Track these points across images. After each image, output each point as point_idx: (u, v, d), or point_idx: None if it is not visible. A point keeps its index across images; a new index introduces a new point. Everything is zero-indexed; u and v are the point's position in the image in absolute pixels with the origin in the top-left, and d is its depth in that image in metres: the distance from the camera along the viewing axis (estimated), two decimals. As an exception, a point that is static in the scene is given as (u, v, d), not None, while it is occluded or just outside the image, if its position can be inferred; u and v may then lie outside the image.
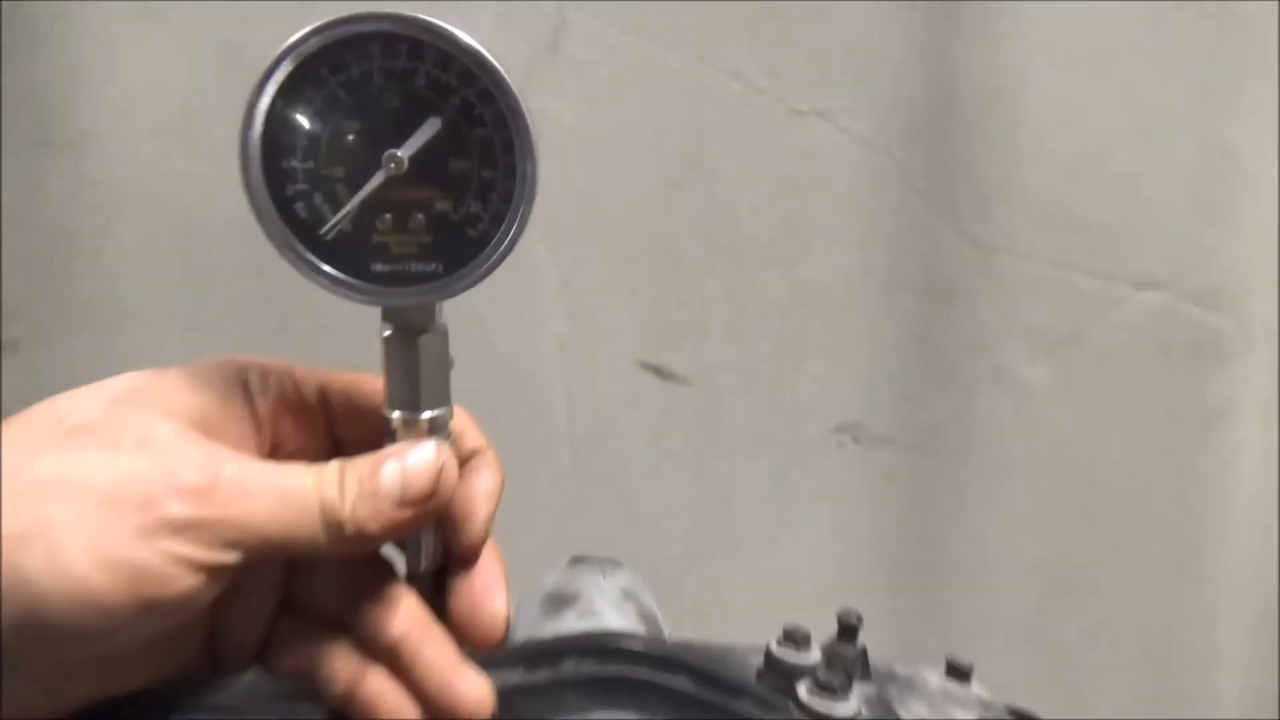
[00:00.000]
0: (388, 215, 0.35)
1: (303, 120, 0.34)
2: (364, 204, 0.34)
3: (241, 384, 0.37)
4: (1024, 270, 0.86)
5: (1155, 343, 0.86)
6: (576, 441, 0.91)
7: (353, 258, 0.34)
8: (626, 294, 0.89)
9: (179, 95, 0.80)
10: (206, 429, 0.34)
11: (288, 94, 0.33)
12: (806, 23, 0.84)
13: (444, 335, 0.37)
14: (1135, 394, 0.87)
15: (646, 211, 0.87)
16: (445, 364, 0.37)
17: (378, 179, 0.34)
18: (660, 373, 0.90)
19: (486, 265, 0.35)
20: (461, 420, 0.39)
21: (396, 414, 0.36)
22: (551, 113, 0.84)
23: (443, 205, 0.35)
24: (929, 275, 0.87)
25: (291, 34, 0.33)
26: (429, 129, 0.34)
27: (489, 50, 0.33)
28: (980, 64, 0.83)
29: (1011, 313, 0.86)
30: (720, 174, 0.87)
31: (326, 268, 0.34)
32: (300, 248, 0.34)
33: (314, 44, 0.33)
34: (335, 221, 0.34)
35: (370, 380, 0.39)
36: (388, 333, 0.36)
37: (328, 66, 0.33)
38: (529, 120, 0.34)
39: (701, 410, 0.91)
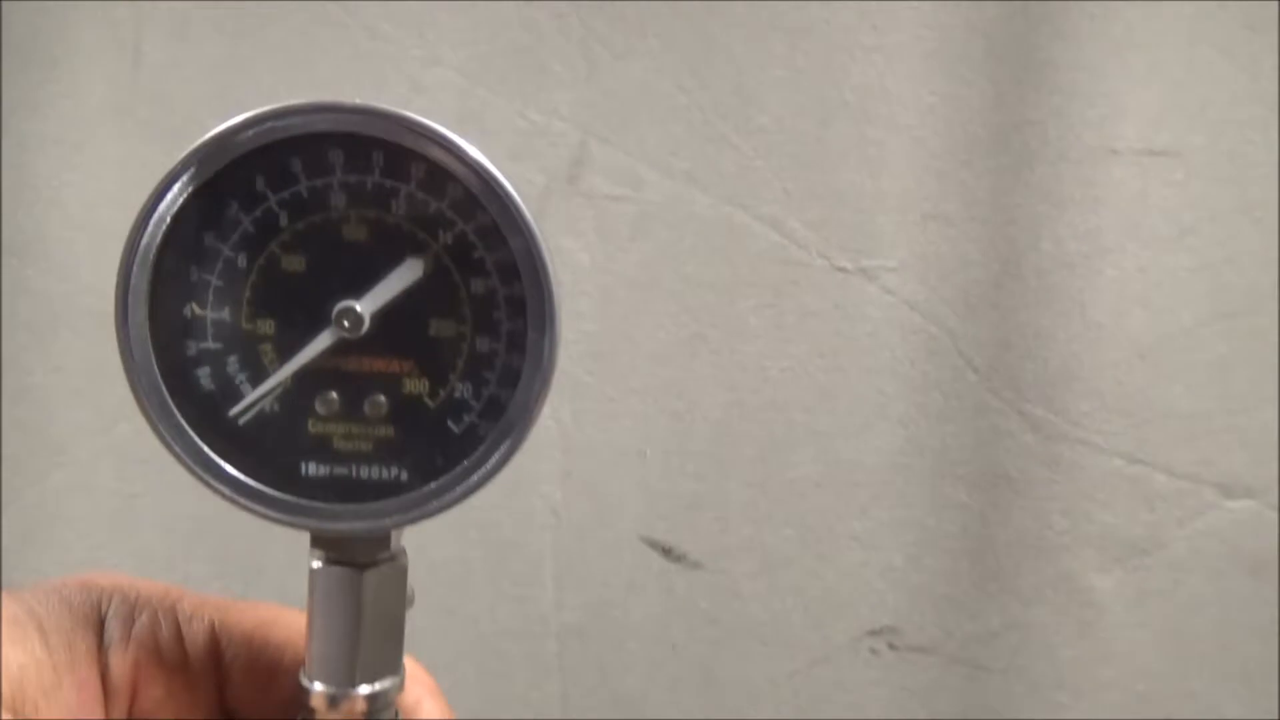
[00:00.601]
0: (333, 394, 0.24)
1: (218, 246, 0.23)
2: (300, 375, 0.23)
3: (93, 626, 0.25)
4: (1094, 464, 0.74)
5: (1244, 559, 0.74)
6: (564, 630, 0.78)
7: (273, 453, 0.23)
8: (634, 459, 0.78)
9: (141, 202, 0.70)
10: (23, 700, 0.22)
11: (202, 204, 0.23)
12: (854, 172, 0.76)
13: (401, 573, 0.25)
14: (1220, 617, 0.75)
15: (664, 366, 0.77)
16: (398, 613, 0.26)
17: (323, 340, 0.23)
18: (667, 552, 0.78)
19: (473, 477, 0.24)
20: (416, 685, 0.27)
21: (319, 687, 0.25)
22: (565, 251, 0.75)
23: (415, 385, 0.24)
24: (984, 462, 0.76)
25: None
26: (405, 275, 0.24)
27: (501, 171, 0.23)
28: (1049, 229, 0.74)
29: (1079, 512, 0.75)
30: (750, 331, 0.77)
31: (229, 468, 0.23)
32: (190, 434, 0.23)
33: (249, 137, 0.23)
34: (253, 399, 0.23)
35: (289, 623, 0.27)
36: (316, 565, 0.25)
37: (266, 174, 0.23)
38: (551, 273, 0.23)
39: (713, 600, 0.78)
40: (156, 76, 0.76)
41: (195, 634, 0.26)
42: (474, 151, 0.24)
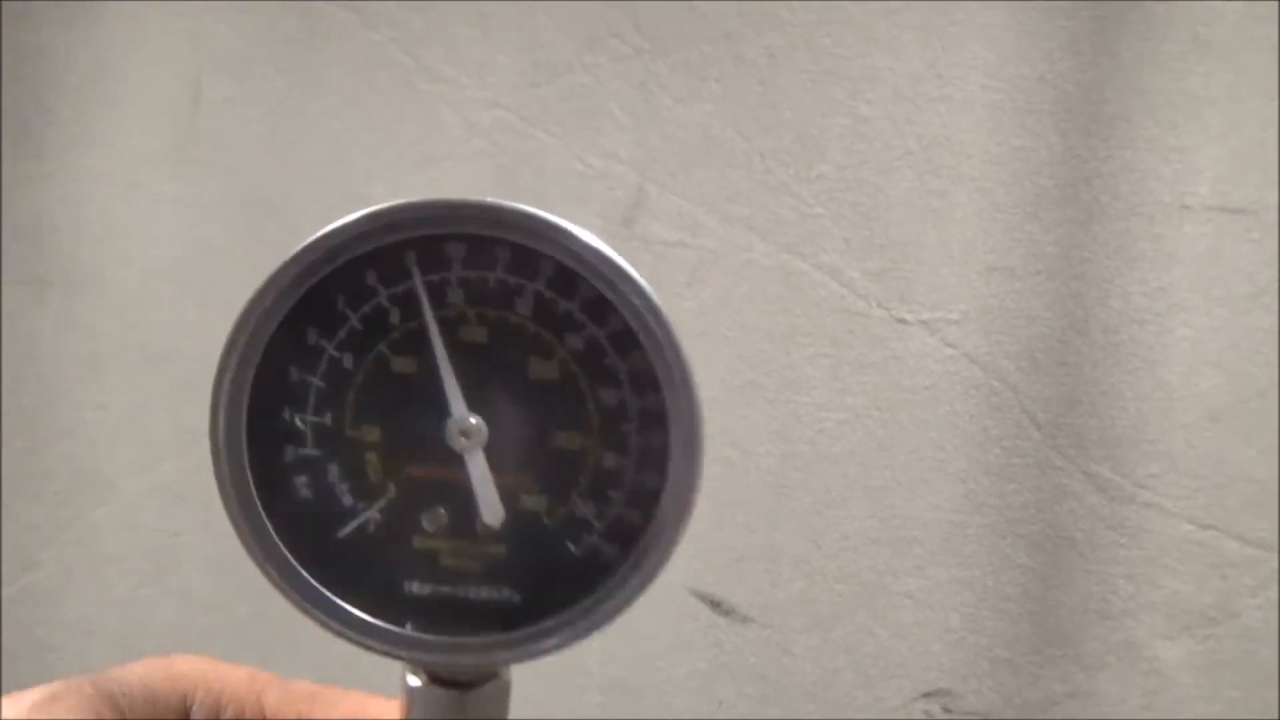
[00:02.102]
0: (441, 510, 0.22)
1: (324, 345, 0.21)
2: (407, 488, 0.21)
3: None
4: (1162, 528, 0.72)
5: (1320, 630, 0.72)
6: (608, 684, 0.76)
7: (372, 571, 0.22)
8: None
9: (195, 240, 0.70)
10: None
11: (308, 304, 0.22)
12: (916, 223, 0.74)
13: (505, 690, 0.23)
14: (1293, 691, 0.72)
15: (717, 415, 0.75)
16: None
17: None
18: (717, 606, 0.76)
19: (599, 610, 0.22)
20: None
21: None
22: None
23: (533, 501, 0.22)
24: (1047, 523, 0.73)
25: (341, 214, 0.21)
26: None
27: (639, 272, 0.22)
28: (1118, 285, 0.72)
29: (1145, 577, 0.72)
30: (806, 382, 0.75)
31: (325, 591, 0.21)
32: (284, 552, 0.21)
33: (363, 233, 0.21)
34: (359, 516, 0.21)
35: (380, 714, 0.25)
36: (414, 682, 0.23)
37: (380, 271, 0.21)
38: (694, 385, 0.22)
39: (762, 656, 0.76)
40: (214, 115, 0.76)
41: None
42: (608, 250, 0.22)
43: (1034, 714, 0.74)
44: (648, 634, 0.76)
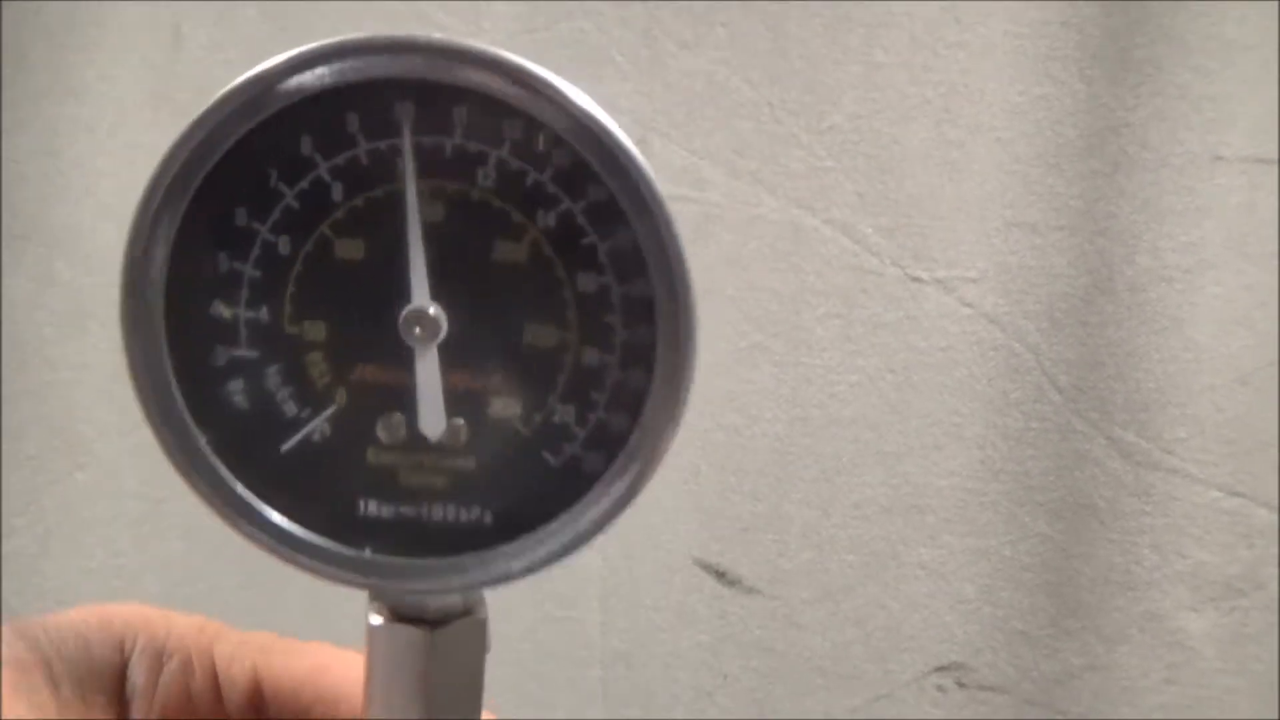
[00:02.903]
0: (398, 415, 0.19)
1: (256, 228, 0.18)
2: (358, 394, 0.18)
3: (113, 672, 0.21)
4: (1188, 495, 0.69)
5: (1352, 602, 0.69)
6: (610, 656, 0.73)
7: (324, 489, 0.19)
8: (689, 475, 0.73)
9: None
10: None
11: (232, 173, 0.18)
12: (932, 176, 0.71)
13: (479, 627, 0.20)
14: (1323, 664, 0.69)
15: (723, 378, 0.72)
16: (475, 673, 0.21)
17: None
18: (722, 576, 0.73)
19: (575, 527, 0.19)
20: None
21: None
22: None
23: (504, 405, 0.19)
24: (1067, 490, 0.70)
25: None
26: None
27: (624, 131, 0.18)
28: (1146, 241, 0.69)
29: (1170, 546, 0.69)
30: (817, 342, 0.72)
31: (268, 510, 0.18)
32: (218, 467, 0.18)
33: (290, 85, 0.18)
34: (306, 426, 0.18)
35: (344, 670, 0.22)
36: (376, 621, 0.20)
37: (315, 132, 0.18)
38: (686, 267, 0.19)
39: (769, 628, 0.73)
40: (196, 60, 0.72)
41: (233, 683, 0.22)
42: (586, 102, 0.19)
43: (1051, 688, 0.72)
44: (651, 605, 0.73)
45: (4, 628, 0.21)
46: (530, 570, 0.19)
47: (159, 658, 0.22)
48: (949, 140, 0.70)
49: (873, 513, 0.73)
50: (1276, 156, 0.67)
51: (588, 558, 0.73)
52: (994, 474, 0.72)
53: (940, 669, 0.73)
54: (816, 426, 0.73)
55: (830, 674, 0.74)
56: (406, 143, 0.18)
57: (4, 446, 0.73)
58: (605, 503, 0.19)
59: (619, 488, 0.19)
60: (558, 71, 0.64)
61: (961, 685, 0.73)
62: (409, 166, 0.18)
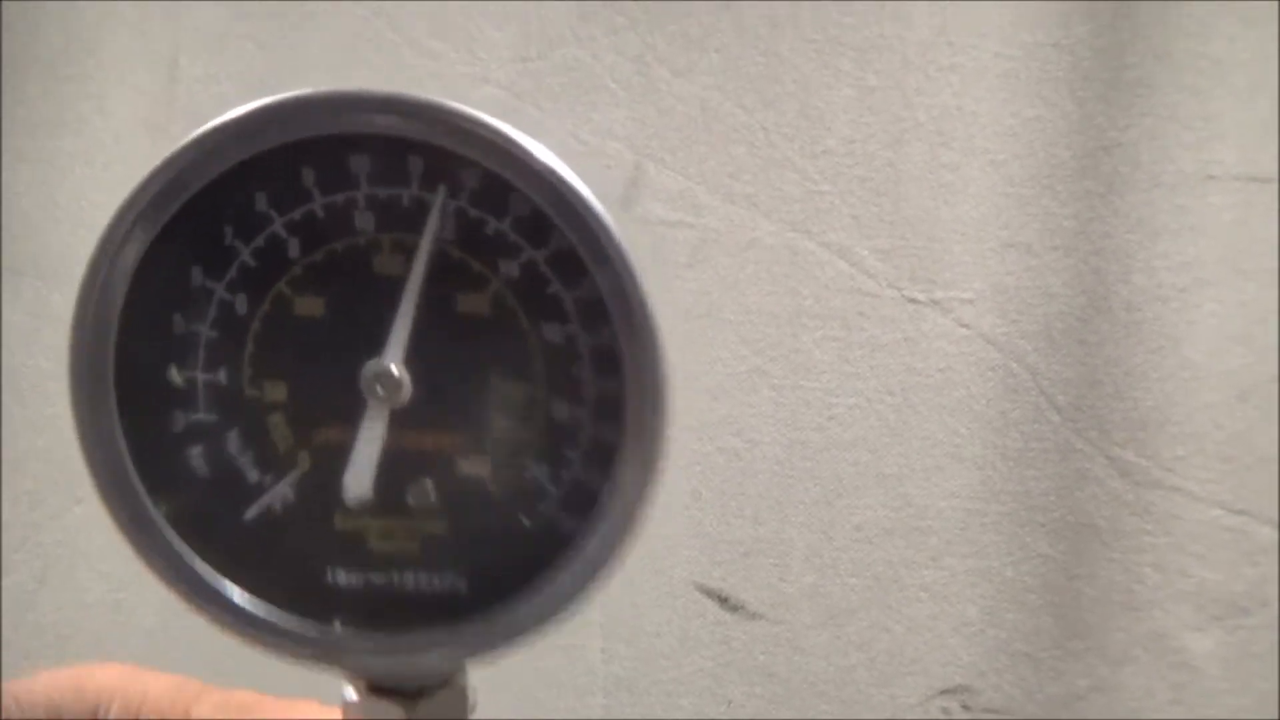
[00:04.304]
0: None
1: (210, 286, 0.18)
2: (323, 457, 0.18)
3: None
4: (1190, 513, 0.69)
5: (1356, 619, 0.68)
6: (612, 683, 0.73)
7: (290, 560, 0.18)
8: (689, 500, 0.73)
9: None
10: None
11: (188, 230, 0.18)
12: (927, 198, 0.71)
13: (460, 697, 0.20)
14: (1329, 683, 0.69)
15: (722, 402, 0.72)
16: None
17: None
18: (724, 602, 0.73)
19: (559, 594, 0.18)
20: None
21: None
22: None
23: (473, 465, 0.19)
24: (1068, 510, 0.70)
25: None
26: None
27: (582, 182, 0.18)
28: (1141, 260, 0.69)
29: (1173, 565, 0.69)
30: (815, 366, 0.72)
31: (232, 590, 0.18)
32: (181, 547, 0.18)
33: (241, 140, 0.18)
34: (269, 492, 0.18)
35: None
36: (351, 696, 0.19)
37: (270, 189, 0.18)
38: (652, 315, 0.18)
39: (772, 653, 0.73)
40: (193, 92, 0.72)
41: None
42: (544, 155, 0.19)
43: (1056, 710, 0.71)
44: (652, 631, 0.73)
45: None
46: (510, 645, 0.19)
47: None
48: (943, 163, 0.71)
49: (874, 535, 0.72)
50: (1269, 174, 0.68)
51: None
52: (994, 494, 0.71)
53: (945, 692, 0.72)
54: (816, 449, 0.73)
55: (834, 699, 0.73)
56: (437, 203, 0.18)
57: (1, 480, 0.72)
58: (581, 566, 0.18)
59: (593, 550, 0.18)
60: (554, 99, 0.64)
61: (966, 708, 0.72)
62: (429, 229, 0.18)
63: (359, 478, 0.18)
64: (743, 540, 0.73)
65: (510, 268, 0.19)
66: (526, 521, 0.18)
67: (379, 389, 0.18)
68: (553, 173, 0.18)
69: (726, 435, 0.73)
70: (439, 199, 0.18)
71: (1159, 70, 0.68)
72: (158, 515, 0.18)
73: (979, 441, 0.71)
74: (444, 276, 0.18)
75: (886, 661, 0.73)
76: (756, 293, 0.72)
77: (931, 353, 0.71)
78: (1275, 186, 0.68)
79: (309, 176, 0.19)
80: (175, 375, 0.18)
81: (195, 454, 0.18)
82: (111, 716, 0.21)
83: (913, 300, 0.72)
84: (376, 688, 0.19)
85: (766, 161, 0.72)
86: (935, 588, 0.72)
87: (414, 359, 0.18)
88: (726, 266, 0.72)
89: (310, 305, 0.18)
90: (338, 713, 0.22)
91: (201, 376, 0.18)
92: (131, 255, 0.17)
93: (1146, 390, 0.69)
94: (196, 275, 0.18)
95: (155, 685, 0.22)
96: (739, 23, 0.71)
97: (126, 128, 0.72)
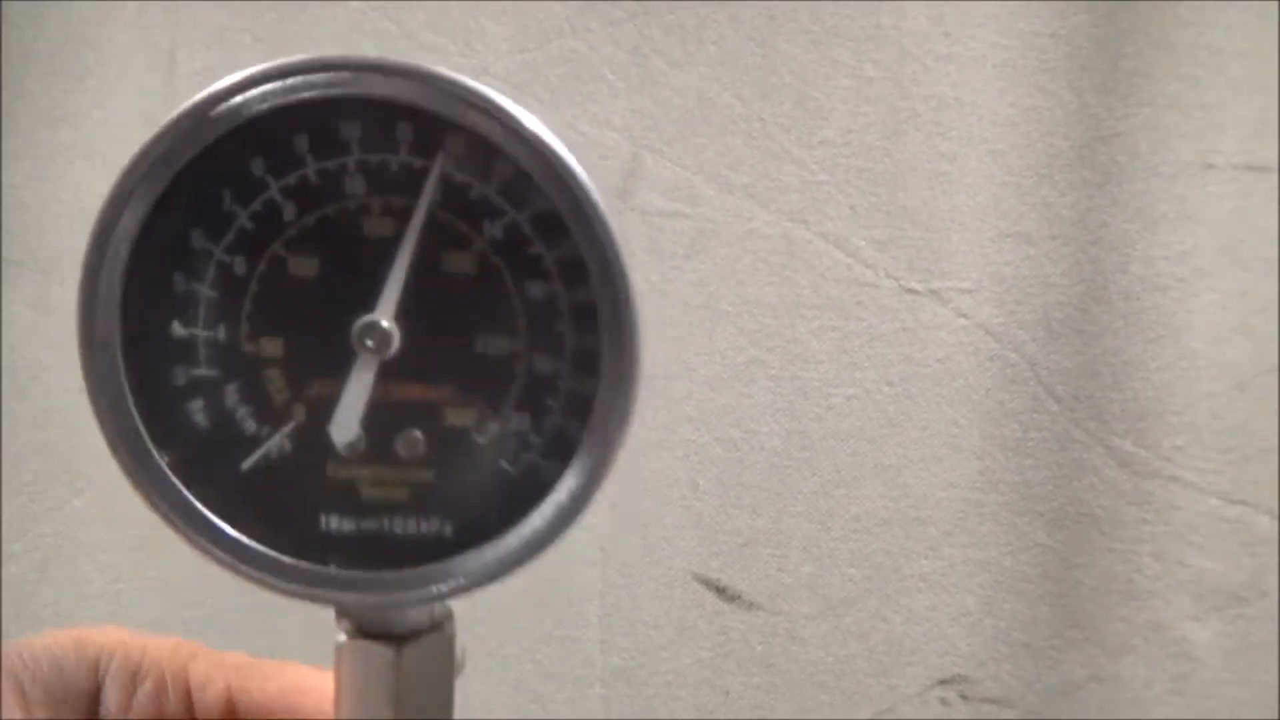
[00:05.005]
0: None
1: (210, 248, 0.19)
2: (316, 410, 0.19)
3: (87, 695, 0.21)
4: (1189, 503, 0.69)
5: (1356, 609, 0.68)
6: (611, 674, 0.73)
7: (285, 506, 0.19)
8: (687, 491, 0.73)
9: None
10: None
11: (187, 196, 0.19)
12: (925, 188, 0.71)
13: (448, 643, 0.20)
14: (1329, 672, 0.68)
15: (720, 393, 0.72)
16: (445, 691, 0.21)
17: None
18: (722, 592, 0.73)
19: (538, 531, 0.19)
20: None
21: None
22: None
23: (459, 416, 0.19)
24: (1067, 500, 0.70)
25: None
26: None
27: (566, 147, 0.19)
28: (1139, 249, 0.69)
29: (1172, 555, 0.69)
30: (812, 356, 0.72)
31: (228, 528, 0.19)
32: (179, 487, 0.18)
33: (234, 107, 0.18)
34: (266, 443, 0.18)
35: (319, 690, 0.22)
36: (342, 639, 0.20)
37: (265, 154, 0.19)
38: (629, 272, 0.19)
39: (770, 643, 0.73)
40: (191, 86, 0.73)
41: (208, 704, 0.22)
42: (529, 120, 0.19)
43: (1055, 699, 0.71)
44: (650, 623, 0.73)
45: None
46: (489, 580, 0.19)
47: (133, 680, 0.22)
48: (941, 153, 0.71)
49: (872, 525, 0.72)
50: (1268, 163, 0.68)
51: (586, 575, 0.73)
52: (993, 485, 0.71)
53: (943, 682, 0.72)
54: (814, 440, 0.73)
55: (833, 689, 0.73)
56: (436, 167, 0.18)
57: (1, 473, 0.73)
58: (556, 506, 0.19)
59: (568, 489, 0.19)
60: (551, 91, 0.65)
61: (965, 698, 0.72)
62: (427, 191, 0.19)
63: (346, 422, 0.19)
64: (741, 530, 0.73)
65: (494, 228, 0.19)
66: (510, 468, 0.19)
67: (368, 341, 0.18)
68: (538, 138, 0.19)
69: (724, 426, 0.73)
70: (438, 164, 0.19)
71: (1157, 59, 0.68)
72: (162, 464, 0.19)
73: (977, 431, 0.71)
74: (431, 237, 0.19)
75: (885, 651, 0.73)
76: (754, 283, 0.72)
77: (930, 343, 0.71)
78: (1274, 176, 0.68)
79: (303, 143, 0.20)
80: (178, 331, 0.19)
81: (196, 407, 0.19)
82: (111, 671, 0.22)
83: (911, 290, 0.71)
84: (367, 631, 0.20)
85: (764, 152, 0.72)
86: (934, 578, 0.72)
87: (402, 315, 0.19)
88: (724, 257, 0.72)
89: (304, 265, 0.19)
90: (329, 674, 0.22)
91: (201, 334, 0.19)
92: (132, 219, 0.18)
93: (1145, 380, 0.69)
94: (197, 238, 0.19)
95: (154, 644, 0.23)
96: (735, 14, 0.71)
97: (125, 122, 0.72)
